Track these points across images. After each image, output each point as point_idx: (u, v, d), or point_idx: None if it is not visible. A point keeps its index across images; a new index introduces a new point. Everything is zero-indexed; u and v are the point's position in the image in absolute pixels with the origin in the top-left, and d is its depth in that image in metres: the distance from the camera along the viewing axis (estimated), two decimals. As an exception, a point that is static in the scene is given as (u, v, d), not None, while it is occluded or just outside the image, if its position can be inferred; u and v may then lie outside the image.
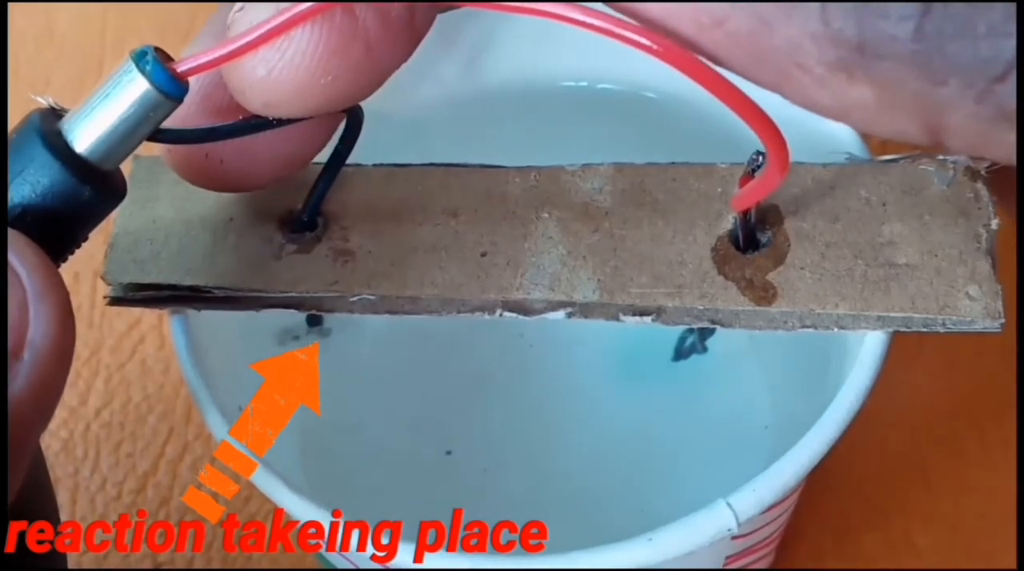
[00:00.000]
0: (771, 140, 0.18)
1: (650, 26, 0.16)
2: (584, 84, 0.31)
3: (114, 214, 0.20)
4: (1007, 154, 0.15)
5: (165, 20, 0.44)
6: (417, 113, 0.31)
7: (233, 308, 0.24)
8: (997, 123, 0.15)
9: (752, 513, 0.22)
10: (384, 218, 0.24)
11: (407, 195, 0.24)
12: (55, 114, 0.20)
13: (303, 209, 0.24)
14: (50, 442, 0.36)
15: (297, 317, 0.32)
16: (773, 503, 0.22)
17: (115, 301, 0.24)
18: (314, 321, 0.32)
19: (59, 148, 0.19)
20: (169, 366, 0.38)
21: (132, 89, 0.19)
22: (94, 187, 0.19)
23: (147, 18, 0.44)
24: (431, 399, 0.34)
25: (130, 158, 0.20)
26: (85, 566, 0.35)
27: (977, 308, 0.21)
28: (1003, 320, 0.21)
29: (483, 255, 0.23)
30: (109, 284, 0.24)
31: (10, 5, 0.44)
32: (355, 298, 0.23)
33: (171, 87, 0.19)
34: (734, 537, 0.24)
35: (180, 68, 0.19)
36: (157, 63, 0.19)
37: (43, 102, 0.20)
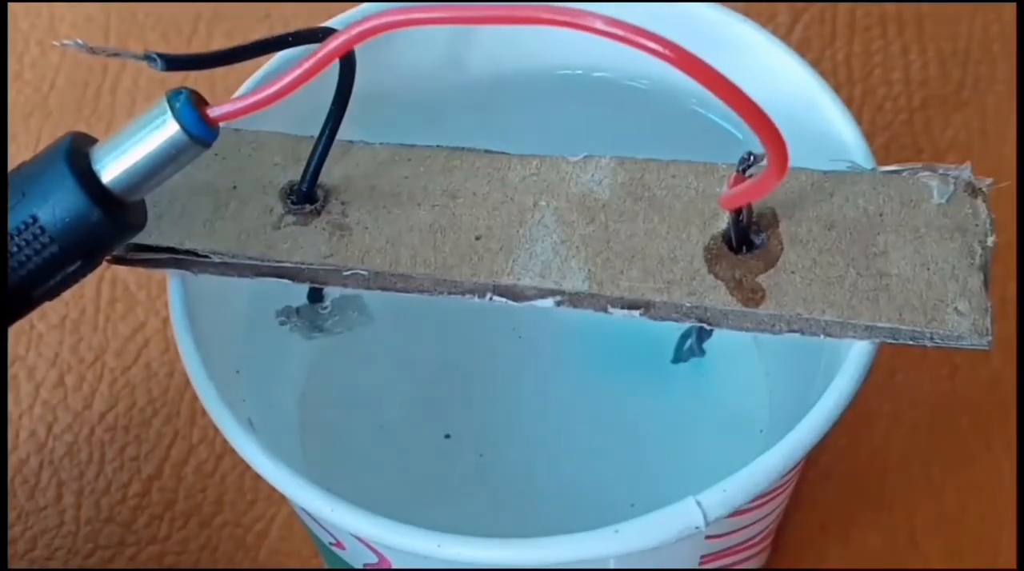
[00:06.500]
0: (772, 143, 0.18)
1: None
2: (580, 72, 0.31)
3: None
4: None
5: (168, 22, 0.44)
6: (428, 97, 0.31)
7: (229, 274, 0.24)
8: None
9: (720, 513, 0.22)
10: (384, 196, 0.24)
11: (410, 175, 0.24)
12: (87, 139, 0.20)
13: (303, 178, 0.24)
14: (55, 445, 0.36)
15: (301, 297, 0.32)
16: (744, 505, 0.22)
17: (116, 260, 0.24)
18: (315, 297, 0.32)
19: (82, 172, 0.19)
20: (174, 370, 0.38)
21: (163, 130, 0.19)
22: (109, 215, 0.19)
23: (150, 21, 0.44)
24: (432, 382, 0.34)
25: None
26: (91, 567, 0.35)
27: (965, 324, 0.21)
28: (991, 337, 0.21)
29: (477, 238, 0.23)
30: None
31: (14, 8, 0.44)
32: (348, 272, 0.23)
33: (201, 131, 0.19)
34: (708, 537, 0.24)
35: (212, 114, 0.19)
36: (189, 106, 0.19)
37: (68, 44, 0.20)
